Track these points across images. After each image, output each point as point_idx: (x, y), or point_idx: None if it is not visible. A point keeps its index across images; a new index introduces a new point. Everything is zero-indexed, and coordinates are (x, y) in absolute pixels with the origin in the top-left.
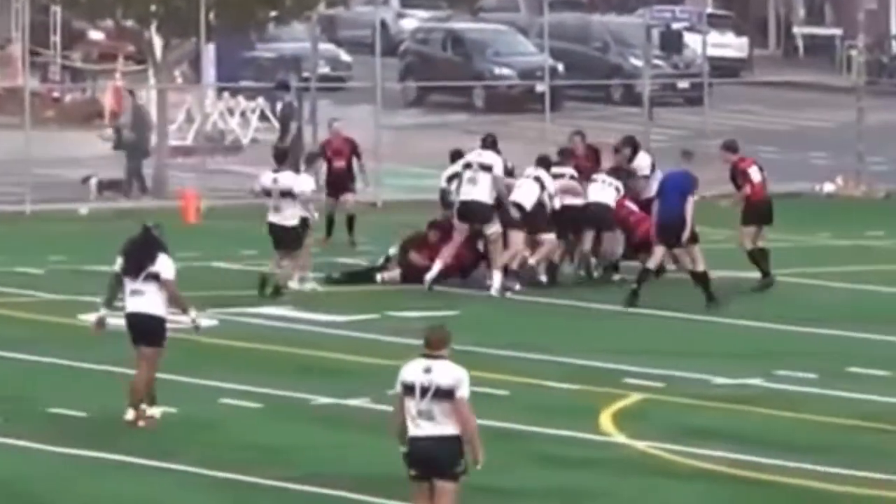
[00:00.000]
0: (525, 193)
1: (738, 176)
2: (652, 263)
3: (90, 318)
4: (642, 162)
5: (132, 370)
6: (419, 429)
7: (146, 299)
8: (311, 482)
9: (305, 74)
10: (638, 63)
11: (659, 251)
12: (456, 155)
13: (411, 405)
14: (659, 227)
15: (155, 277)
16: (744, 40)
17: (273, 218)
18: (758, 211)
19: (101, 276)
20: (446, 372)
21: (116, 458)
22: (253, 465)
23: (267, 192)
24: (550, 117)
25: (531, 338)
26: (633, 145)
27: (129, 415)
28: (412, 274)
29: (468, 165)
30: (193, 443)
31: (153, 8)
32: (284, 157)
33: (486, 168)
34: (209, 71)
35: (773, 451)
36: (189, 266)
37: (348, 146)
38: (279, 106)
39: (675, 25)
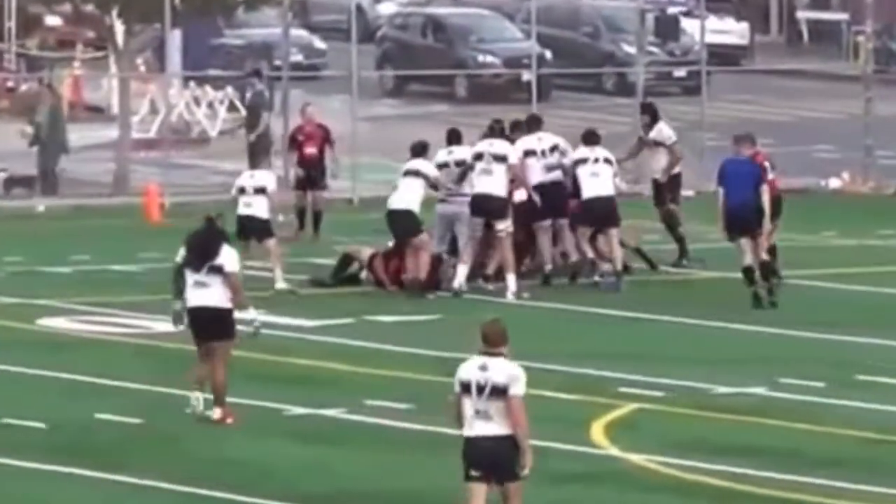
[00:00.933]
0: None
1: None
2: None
3: (52, 322)
4: (665, 131)
5: (96, 378)
6: (477, 429)
7: (210, 292)
8: (283, 498)
9: (277, 62)
10: (631, 50)
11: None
12: (420, 147)
13: (468, 404)
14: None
15: (218, 270)
16: (744, 26)
17: (245, 211)
18: (777, 207)
19: (60, 278)
20: (502, 369)
21: (77, 472)
22: (221, 480)
23: (242, 190)
24: (538, 108)
25: (518, 344)
26: (651, 112)
27: (217, 413)
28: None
29: (479, 156)
30: (158, 455)
31: None
32: (260, 153)
33: (500, 158)
34: (174, 59)
35: (778, 465)
36: (152, 268)
37: (321, 132)
38: (248, 96)
39: (672, 10)
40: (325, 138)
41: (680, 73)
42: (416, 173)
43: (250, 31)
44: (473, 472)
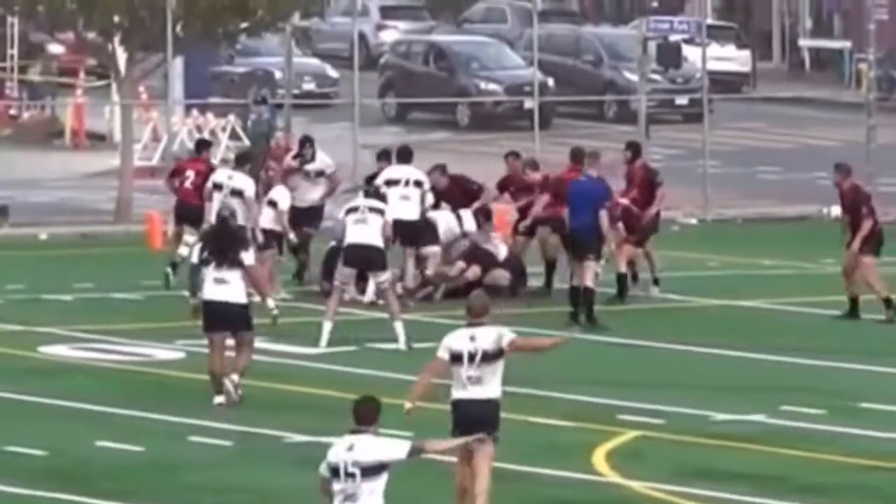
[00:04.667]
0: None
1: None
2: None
3: (53, 349)
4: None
5: (97, 406)
6: (467, 392)
7: (231, 287)
8: None
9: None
10: (633, 78)
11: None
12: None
13: (461, 372)
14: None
15: (239, 265)
16: (746, 53)
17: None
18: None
19: (62, 306)
20: (487, 337)
21: (77, 500)
22: None
23: (218, 186)
24: (540, 136)
25: (517, 371)
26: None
27: (220, 399)
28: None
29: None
30: (159, 483)
31: (117, 19)
32: (245, 160)
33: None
34: (176, 86)
35: (779, 493)
36: (155, 296)
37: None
38: (250, 124)
39: (673, 37)
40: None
41: (682, 100)
42: (417, 183)
43: (255, 60)
44: (458, 434)
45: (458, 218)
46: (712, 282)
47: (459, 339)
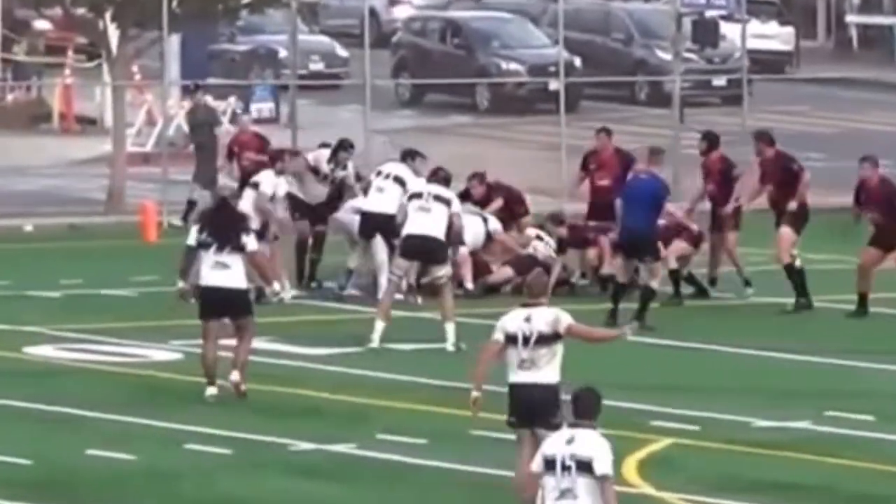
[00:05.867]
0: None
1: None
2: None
3: (39, 350)
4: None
5: (86, 411)
6: (521, 376)
7: (231, 273)
8: None
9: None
10: (666, 57)
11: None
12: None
13: (513, 354)
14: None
15: (241, 249)
16: (789, 31)
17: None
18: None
19: (49, 303)
20: (545, 318)
21: None
22: None
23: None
24: (566, 120)
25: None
26: (710, 139)
27: (235, 376)
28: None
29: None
30: (153, 494)
31: None
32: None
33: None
34: (172, 66)
35: (817, 502)
36: (148, 292)
37: (258, 142)
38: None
39: (710, 13)
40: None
41: (719, 81)
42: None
43: (258, 38)
44: (512, 419)
45: (484, 220)
46: (756, 278)
47: (515, 320)
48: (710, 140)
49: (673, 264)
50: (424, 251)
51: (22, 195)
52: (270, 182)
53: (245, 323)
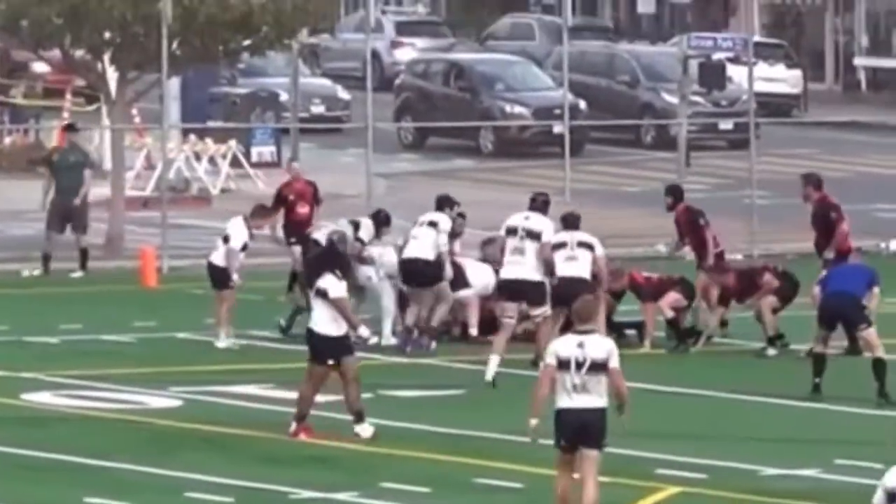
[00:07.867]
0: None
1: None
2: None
3: (36, 397)
4: None
5: (85, 458)
6: (573, 401)
7: (317, 315)
8: None
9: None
10: (672, 100)
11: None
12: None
13: (566, 379)
14: None
15: (323, 295)
16: (797, 73)
17: (212, 258)
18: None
19: (47, 349)
20: (598, 345)
21: None
22: None
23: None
24: (570, 163)
25: (547, 420)
26: (674, 194)
27: (366, 431)
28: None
29: (512, 231)
30: None
31: (107, 35)
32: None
33: (534, 236)
34: (172, 109)
35: None
36: (147, 338)
37: (311, 190)
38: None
39: (717, 56)
40: (314, 195)
41: (726, 125)
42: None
43: (259, 80)
44: (563, 442)
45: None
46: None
47: (567, 346)
48: (675, 194)
49: (669, 314)
50: (523, 293)
51: (19, 240)
52: (242, 235)
53: (343, 367)
